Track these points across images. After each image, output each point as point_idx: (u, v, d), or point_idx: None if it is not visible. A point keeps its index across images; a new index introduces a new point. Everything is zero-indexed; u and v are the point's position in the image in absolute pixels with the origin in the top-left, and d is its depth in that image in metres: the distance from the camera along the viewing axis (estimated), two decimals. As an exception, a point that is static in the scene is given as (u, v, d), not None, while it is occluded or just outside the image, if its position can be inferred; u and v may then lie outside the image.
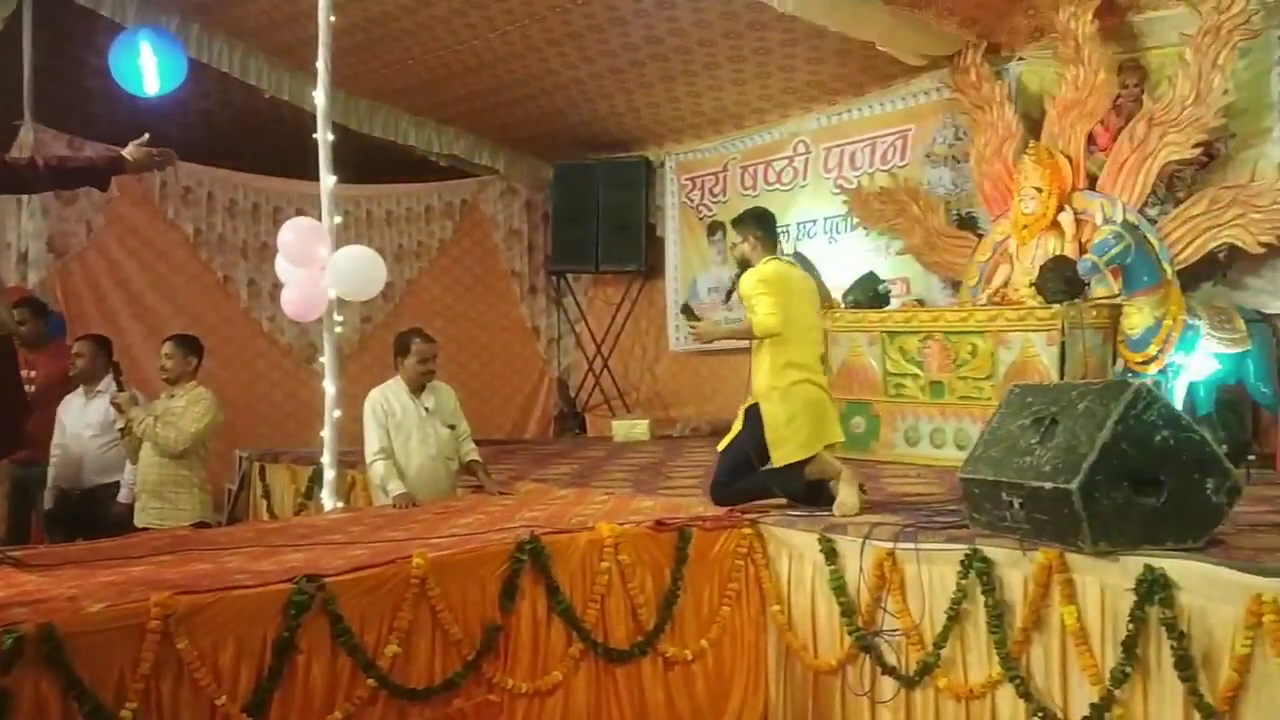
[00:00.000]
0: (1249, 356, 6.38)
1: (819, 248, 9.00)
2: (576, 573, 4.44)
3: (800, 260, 7.81)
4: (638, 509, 5.09)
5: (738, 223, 5.30)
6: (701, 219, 10.30)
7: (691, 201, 10.35)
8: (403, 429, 5.63)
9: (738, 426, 5.17)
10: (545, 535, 4.39)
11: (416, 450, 5.65)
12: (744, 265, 5.22)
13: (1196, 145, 6.79)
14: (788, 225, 9.47)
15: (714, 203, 10.19)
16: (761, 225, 5.21)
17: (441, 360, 6.09)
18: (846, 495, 4.92)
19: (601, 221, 10.44)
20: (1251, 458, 6.07)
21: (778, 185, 9.66)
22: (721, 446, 5.24)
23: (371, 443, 5.61)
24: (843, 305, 7.69)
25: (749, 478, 5.13)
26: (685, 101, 9.39)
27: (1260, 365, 6.42)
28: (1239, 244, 6.62)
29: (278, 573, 3.78)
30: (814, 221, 9.34)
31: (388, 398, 5.68)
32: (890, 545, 4.38)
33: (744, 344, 9.31)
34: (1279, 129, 6.79)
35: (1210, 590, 3.57)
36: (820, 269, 8.01)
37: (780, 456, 5.01)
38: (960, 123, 8.19)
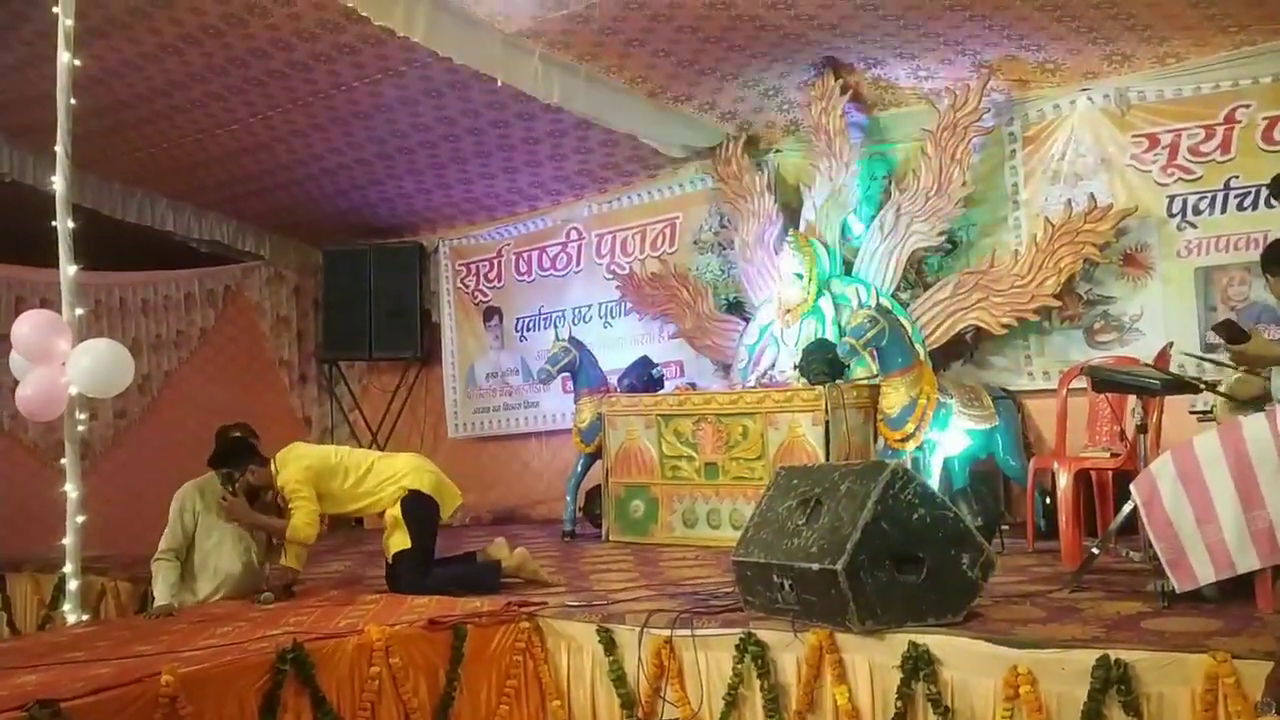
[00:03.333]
0: (997, 432, 6.67)
1: (594, 333, 9.02)
2: (344, 680, 4.22)
3: (575, 345, 7.89)
4: (411, 607, 4.89)
5: None
6: (477, 304, 10.19)
7: (467, 287, 10.23)
8: (216, 528, 5.36)
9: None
10: (309, 641, 4.15)
11: (230, 550, 5.38)
12: None
13: (941, 233, 7.15)
14: (563, 310, 9.50)
15: (489, 288, 10.10)
16: None
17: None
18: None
19: (374, 307, 10.15)
20: (1005, 528, 6.32)
21: (552, 271, 9.66)
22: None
23: (163, 540, 5.33)
24: (619, 390, 7.70)
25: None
26: (457, 188, 9.31)
27: (1008, 439, 6.73)
28: (983, 325, 6.97)
29: (7, 699, 3.41)
30: (589, 306, 9.36)
31: (201, 493, 5.41)
32: (667, 633, 4.35)
33: (526, 429, 9.30)
34: (1013, 218, 7.23)
35: (970, 663, 3.68)
36: (595, 353, 8.08)
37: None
38: (725, 211, 8.38)
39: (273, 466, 5.40)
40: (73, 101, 5.46)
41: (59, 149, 5.46)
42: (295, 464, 5.37)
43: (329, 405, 10.81)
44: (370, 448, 10.17)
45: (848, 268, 7.50)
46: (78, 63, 5.49)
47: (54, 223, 5.46)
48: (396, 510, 5.41)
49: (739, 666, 4.14)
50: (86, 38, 6.03)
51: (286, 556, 5.34)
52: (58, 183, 5.46)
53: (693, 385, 7.92)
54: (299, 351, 10.67)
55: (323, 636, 4.26)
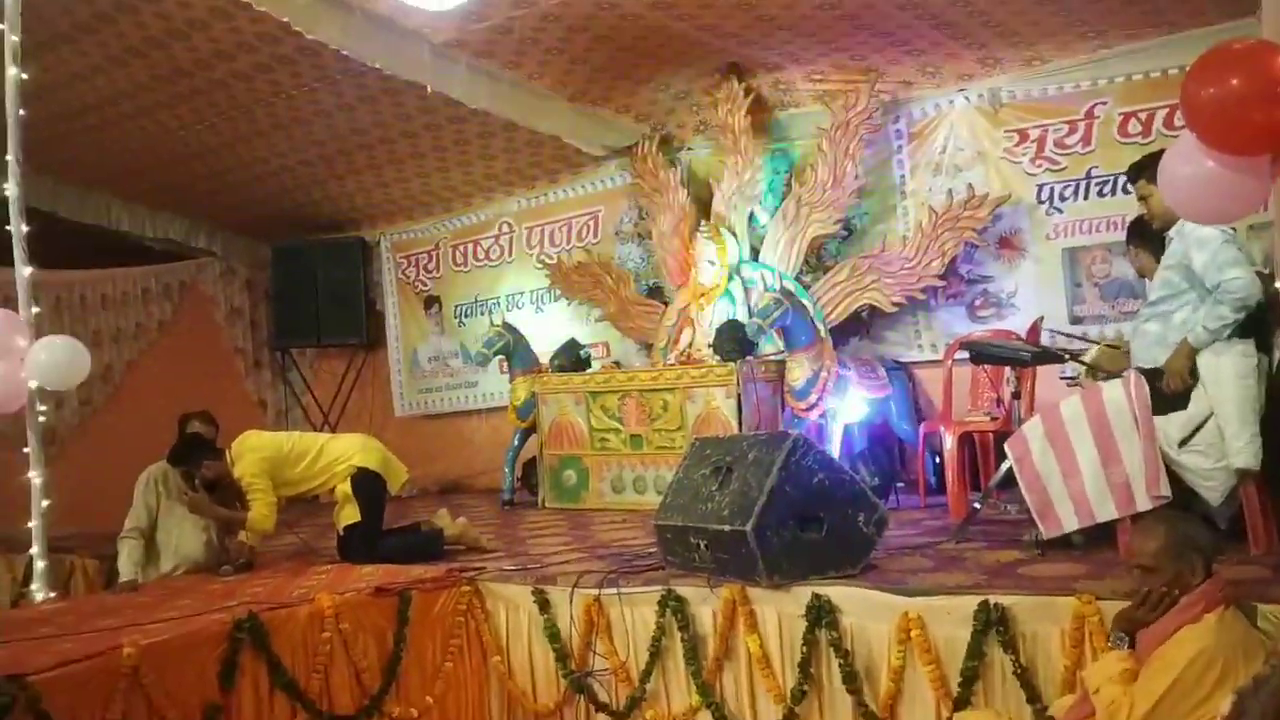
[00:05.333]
0: (891, 399, 6.74)
1: (527, 318, 8.96)
2: (298, 646, 4.16)
3: (510, 330, 7.82)
4: (360, 576, 4.84)
5: None
6: (418, 293, 10.05)
7: (408, 278, 10.09)
8: (176, 509, 5.25)
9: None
10: (264, 611, 4.08)
11: (190, 531, 5.27)
12: None
13: (837, 222, 7.18)
14: (498, 297, 9.42)
15: (429, 278, 9.98)
16: None
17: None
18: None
19: (321, 298, 9.97)
20: (900, 485, 6.43)
21: (486, 262, 9.57)
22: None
23: (128, 519, 5.21)
24: (550, 369, 7.66)
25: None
26: (395, 186, 9.16)
27: (901, 406, 6.81)
28: (876, 304, 7.02)
29: (-26, 676, 3.30)
30: (521, 294, 9.29)
31: (164, 475, 5.28)
32: (596, 592, 4.35)
33: (466, 407, 9.20)
34: (901, 207, 7.29)
35: (867, 611, 3.72)
36: (528, 337, 8.04)
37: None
38: (643, 204, 8.33)
39: (228, 457, 5.28)
40: (22, 112, 5.26)
41: (10, 157, 5.26)
42: (250, 455, 5.24)
43: (282, 389, 10.61)
44: (322, 428, 10.06)
45: (755, 254, 7.52)
46: (25, 75, 5.28)
47: (9, 227, 5.28)
48: (347, 487, 5.33)
49: (661, 620, 4.16)
50: (35, 51, 5.79)
51: (246, 535, 5.25)
52: (10, 188, 5.26)
53: (618, 364, 7.91)
54: (252, 340, 10.44)
55: (277, 606, 4.20)
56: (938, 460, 6.24)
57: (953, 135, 7.04)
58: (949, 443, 5.55)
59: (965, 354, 5.41)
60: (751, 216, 7.59)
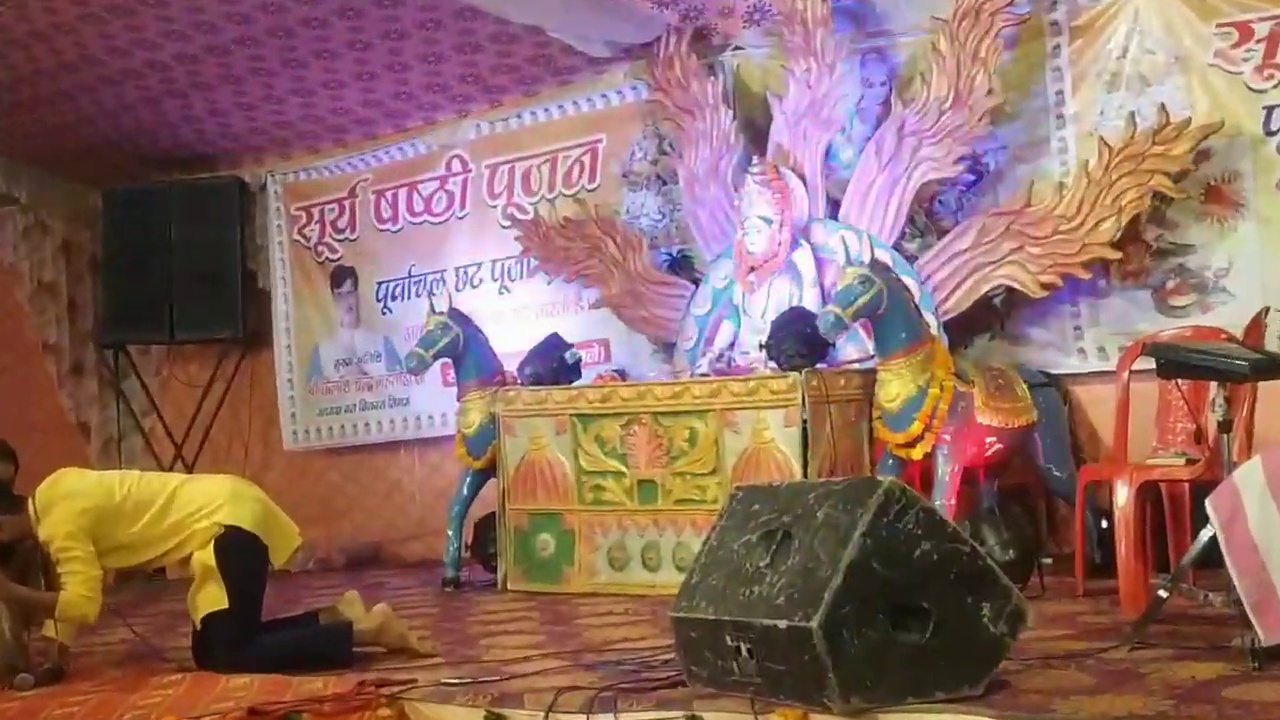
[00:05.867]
0: (1036, 431, 6.73)
1: (486, 301, 9.05)
2: (130, 796, 4.18)
3: (459, 320, 7.85)
4: (226, 691, 4.85)
5: None
6: (322, 264, 10.12)
7: (307, 240, 10.16)
8: None
9: None
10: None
11: None
12: None
13: (959, 160, 7.19)
14: (442, 271, 9.50)
15: (339, 241, 10.05)
16: None
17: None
18: None
19: (177, 270, 10.09)
20: (1046, 563, 6.41)
21: (427, 216, 9.64)
22: None
23: None
24: (519, 381, 7.69)
25: None
26: (291, 102, 9.23)
27: (1050, 441, 6.80)
28: (1017, 286, 7.02)
29: None
30: (478, 266, 9.37)
31: None
32: (583, 717, 4.34)
33: (391, 437, 9.29)
34: (1057, 138, 7.30)
35: (995, 753, 3.70)
36: (487, 331, 8.08)
37: None
38: (664, 132, 8.39)
39: (31, 510, 5.30)
40: None
41: None
42: (65, 508, 5.25)
43: (114, 407, 10.71)
44: (173, 467, 10.14)
45: (834, 209, 7.54)
46: None
47: None
48: (208, 555, 5.35)
49: (681, 762, 4.15)
50: None
51: (54, 627, 5.27)
52: None
53: (621, 373, 7.95)
54: (71, 332, 10.58)
55: (99, 735, 4.22)
56: (1105, 524, 6.23)
57: (1138, 30, 7.02)
58: (1123, 497, 5.53)
59: (1150, 363, 5.34)
60: (830, 151, 7.62)
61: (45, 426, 10.13)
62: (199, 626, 5.41)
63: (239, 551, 5.39)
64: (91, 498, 5.33)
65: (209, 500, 5.46)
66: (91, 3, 7.64)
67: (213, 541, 5.35)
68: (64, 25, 7.93)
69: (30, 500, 5.33)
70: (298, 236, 10.20)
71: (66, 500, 5.28)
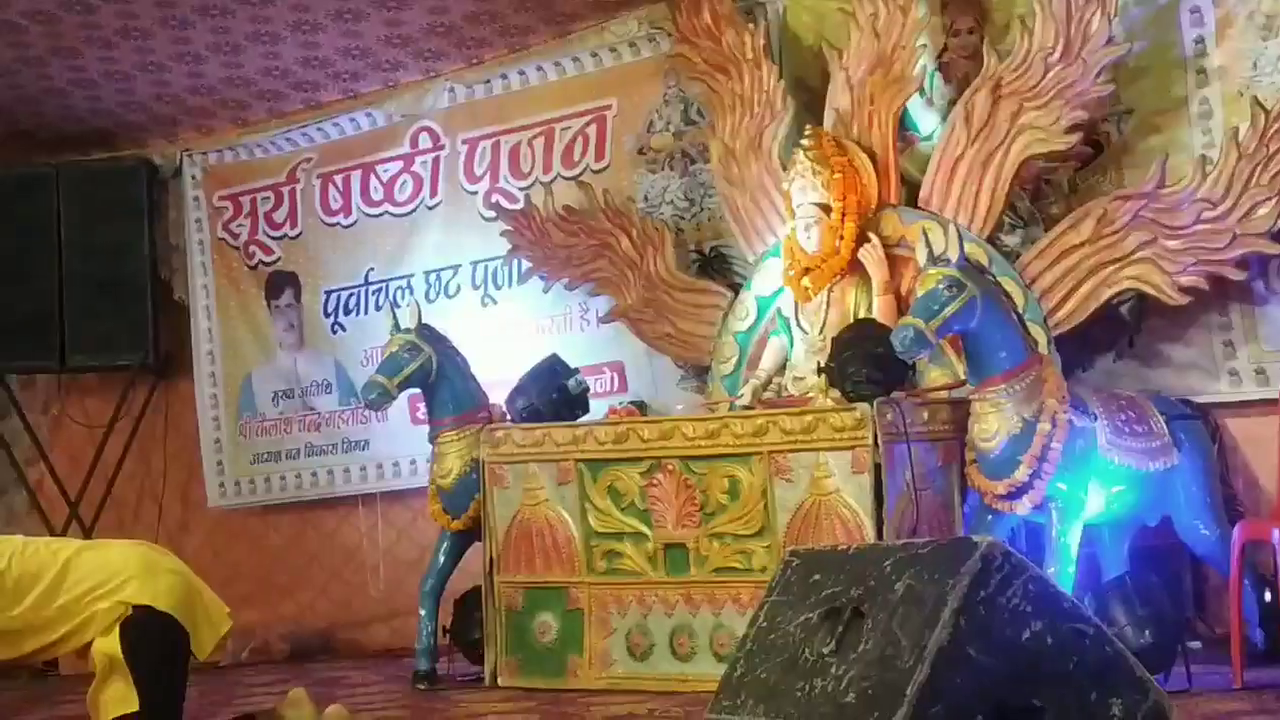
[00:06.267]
0: (1177, 476, 6.70)
1: (465, 313, 9.12)
2: None
3: (431, 339, 7.86)
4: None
5: None
6: (255, 268, 10.16)
7: (234, 238, 10.21)
8: None
9: None
10: None
11: None
12: None
13: (1072, 129, 7.18)
14: (409, 276, 9.55)
15: (277, 239, 10.09)
16: None
17: None
18: None
19: (70, 278, 10.17)
20: (1194, 646, 6.38)
21: (388, 206, 9.68)
22: None
23: None
24: (509, 417, 7.71)
25: None
26: (213, 62, 9.29)
27: (1196, 490, 6.74)
28: (1149, 291, 7.00)
29: None
30: (454, 269, 9.42)
31: None
32: None
33: (345, 490, 9.34)
34: (1198, 100, 7.29)
35: None
36: (467, 354, 8.09)
37: None
38: (693, 95, 8.42)
39: None
40: None
41: None
42: None
43: (-9, 453, 10.77)
44: (66, 531, 10.17)
45: (911, 193, 7.56)
46: None
47: None
48: (112, 644, 5.37)
49: None
50: None
51: None
52: None
53: (641, 406, 7.95)
54: (-66, 358, 10.61)
55: None
56: (1269, 596, 6.21)
57: (1301, -42, 7.05)
58: (1293, 562, 5.52)
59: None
60: (905, 118, 7.64)
61: (-98, 480, 10.24)
62: None
63: (152, 639, 5.40)
64: None
65: (113, 573, 5.47)
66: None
67: (118, 626, 5.37)
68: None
69: None
70: (223, 234, 10.25)
71: None
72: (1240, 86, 7.11)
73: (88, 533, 10.27)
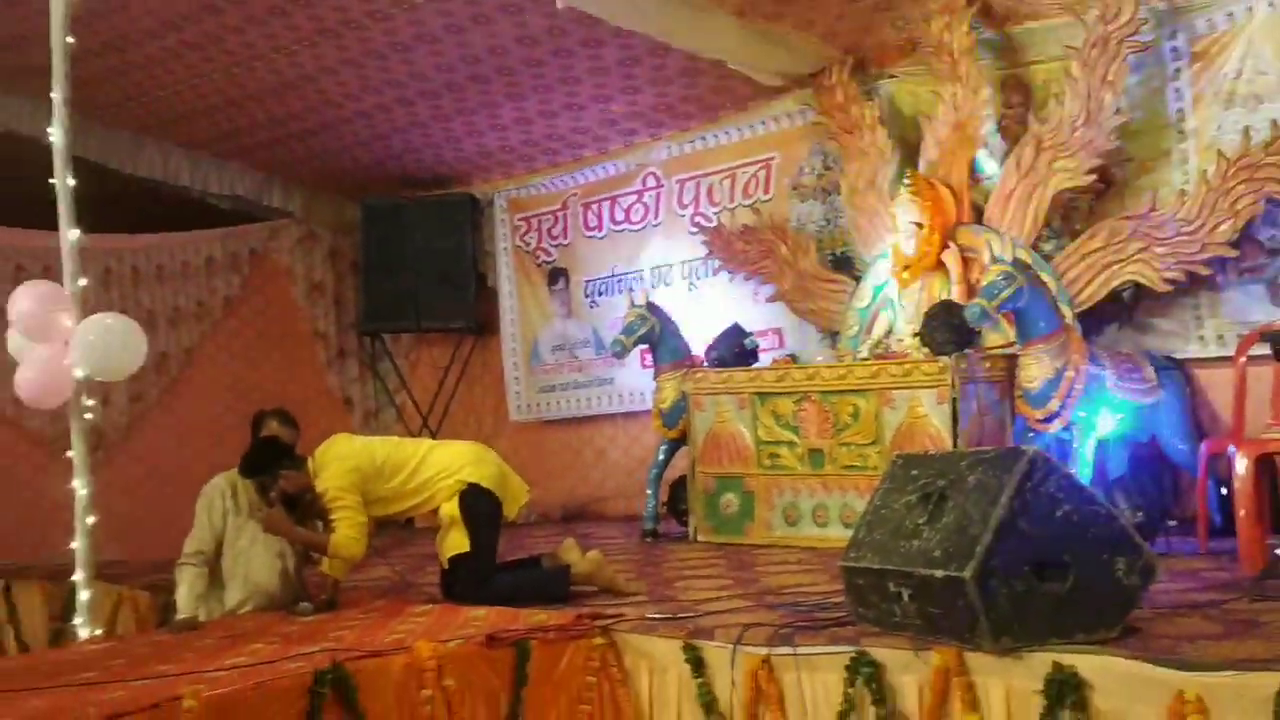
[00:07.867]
0: (1161, 409, 6.59)
1: (677, 296, 9.06)
2: (391, 705, 4.26)
3: (654, 312, 7.91)
4: (468, 620, 4.95)
5: None
6: (540, 265, 10.27)
7: (527, 245, 10.32)
8: (247, 529, 5.52)
9: None
10: (351, 660, 4.21)
11: (261, 554, 5.53)
12: None
13: (1090, 171, 7.02)
14: (640, 271, 9.56)
15: (554, 246, 10.18)
16: None
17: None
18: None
19: (421, 271, 10.31)
20: (1172, 525, 6.24)
21: (626, 225, 9.71)
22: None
23: (188, 542, 5.48)
24: (706, 364, 7.72)
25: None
26: (514, 129, 9.37)
27: (1174, 418, 6.63)
28: (1143, 281, 6.85)
29: (10, 728, 3.53)
30: (670, 266, 9.41)
31: (234, 488, 5.57)
32: (765, 651, 4.33)
33: (599, 411, 9.29)
34: (1178, 151, 7.06)
35: (1128, 689, 3.61)
36: (678, 321, 8.13)
37: None
38: (829, 150, 8.34)
39: (310, 466, 5.48)
40: (70, 40, 5.53)
41: (55, 95, 5.53)
42: (337, 466, 5.41)
43: (371, 385, 10.98)
44: (420, 434, 10.35)
45: (978, 215, 7.43)
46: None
47: (53, 180, 5.54)
48: (453, 507, 5.47)
49: (850, 691, 4.10)
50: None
51: (328, 564, 5.45)
52: (55, 133, 5.54)
53: (793, 357, 7.91)
54: (337, 322, 10.85)
55: (366, 655, 4.31)
56: (1225, 491, 6.03)
57: (1250, 55, 6.78)
58: (1241, 467, 5.35)
59: (1265, 349, 5.26)
60: (974, 164, 7.50)
61: (318, 401, 10.44)
62: (445, 566, 5.56)
63: (479, 504, 5.50)
64: (358, 458, 5.49)
65: (454, 462, 5.58)
66: (351, 49, 7.84)
67: (457, 496, 5.48)
68: (327, 69, 8.15)
69: (309, 459, 5.52)
70: (519, 243, 10.37)
71: (338, 460, 5.46)
72: (1209, 142, 6.89)
73: (434, 435, 10.47)
